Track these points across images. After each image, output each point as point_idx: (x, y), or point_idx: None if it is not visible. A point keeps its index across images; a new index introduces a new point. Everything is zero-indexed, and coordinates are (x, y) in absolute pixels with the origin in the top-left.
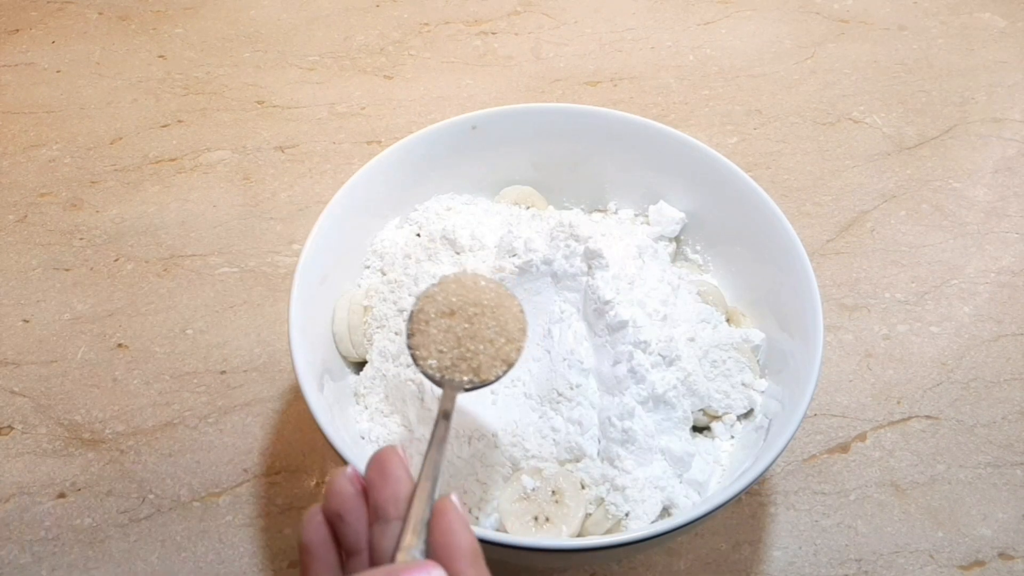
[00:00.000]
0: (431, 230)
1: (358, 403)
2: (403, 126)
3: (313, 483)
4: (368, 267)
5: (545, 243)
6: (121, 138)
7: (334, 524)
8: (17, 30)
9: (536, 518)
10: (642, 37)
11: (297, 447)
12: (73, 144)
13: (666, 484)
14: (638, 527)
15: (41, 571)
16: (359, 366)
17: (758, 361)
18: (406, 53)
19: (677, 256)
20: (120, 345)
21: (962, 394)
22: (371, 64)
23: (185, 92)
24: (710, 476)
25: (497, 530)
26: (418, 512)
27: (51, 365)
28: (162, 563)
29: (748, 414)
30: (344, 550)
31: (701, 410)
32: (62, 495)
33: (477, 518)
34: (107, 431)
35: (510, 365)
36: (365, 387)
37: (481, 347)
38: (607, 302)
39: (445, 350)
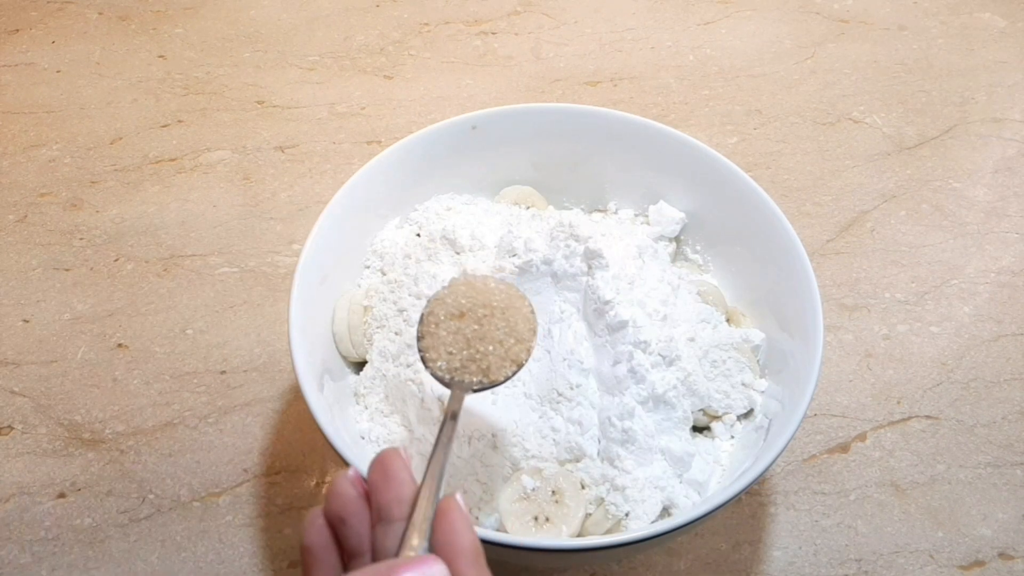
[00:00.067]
0: (431, 230)
1: (358, 403)
2: (403, 126)
3: (313, 483)
4: (368, 267)
5: (545, 243)
6: (121, 138)
7: (336, 527)
8: (17, 30)
9: (536, 518)
10: (642, 37)
11: (297, 447)
12: (73, 144)
13: (666, 484)
14: (638, 527)
15: (41, 571)
16: (359, 366)
17: (758, 361)
18: (406, 53)
19: (677, 256)
20: (120, 345)
21: (962, 394)
22: (371, 64)
23: (185, 92)
24: (710, 476)
25: (497, 530)
26: (422, 511)
27: (51, 365)
28: (162, 563)
29: (748, 414)
30: (346, 552)
31: (701, 410)
32: (62, 495)
33: (477, 518)
34: (107, 431)
35: (520, 365)
36: (365, 387)
37: (491, 348)
38: (607, 302)
39: (455, 351)
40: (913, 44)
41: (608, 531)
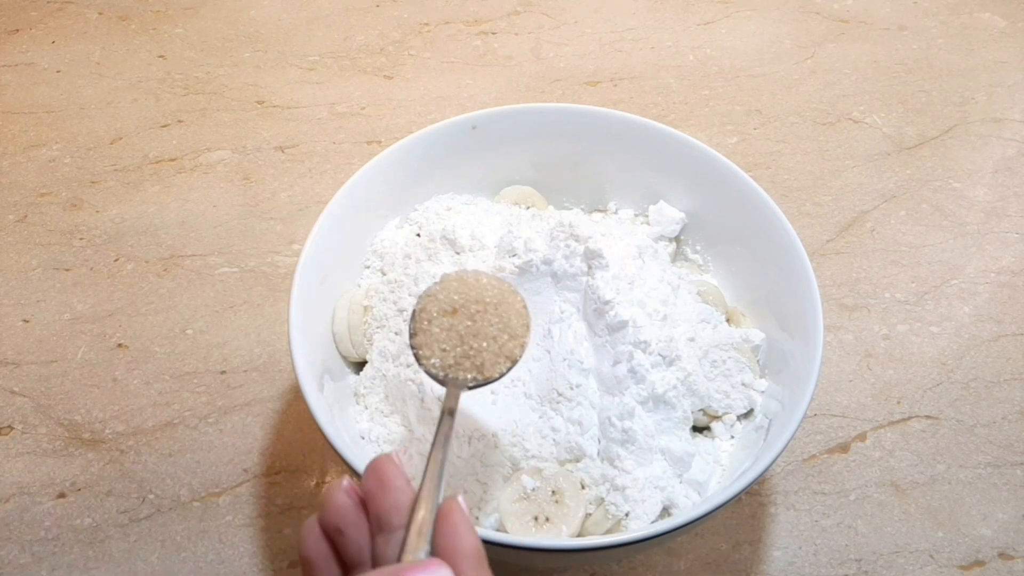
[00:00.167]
0: (431, 230)
1: (358, 403)
2: (403, 126)
3: (313, 483)
4: (368, 267)
5: (545, 243)
6: (121, 138)
7: (334, 538)
8: (17, 30)
9: (536, 518)
10: (642, 37)
11: (297, 447)
12: (73, 144)
13: (666, 484)
14: (638, 527)
15: (41, 571)
16: (359, 366)
17: (758, 361)
18: (406, 53)
19: (677, 256)
20: (120, 345)
21: (962, 394)
22: (371, 64)
23: (185, 92)
24: (710, 476)
25: (497, 530)
26: (423, 513)
27: (51, 365)
28: (162, 563)
29: (748, 414)
30: (346, 563)
31: (701, 410)
32: (62, 495)
33: (477, 518)
34: (107, 431)
35: (514, 361)
36: (365, 387)
37: (484, 344)
38: (607, 302)
39: (448, 348)
40: (913, 44)
41: (608, 531)
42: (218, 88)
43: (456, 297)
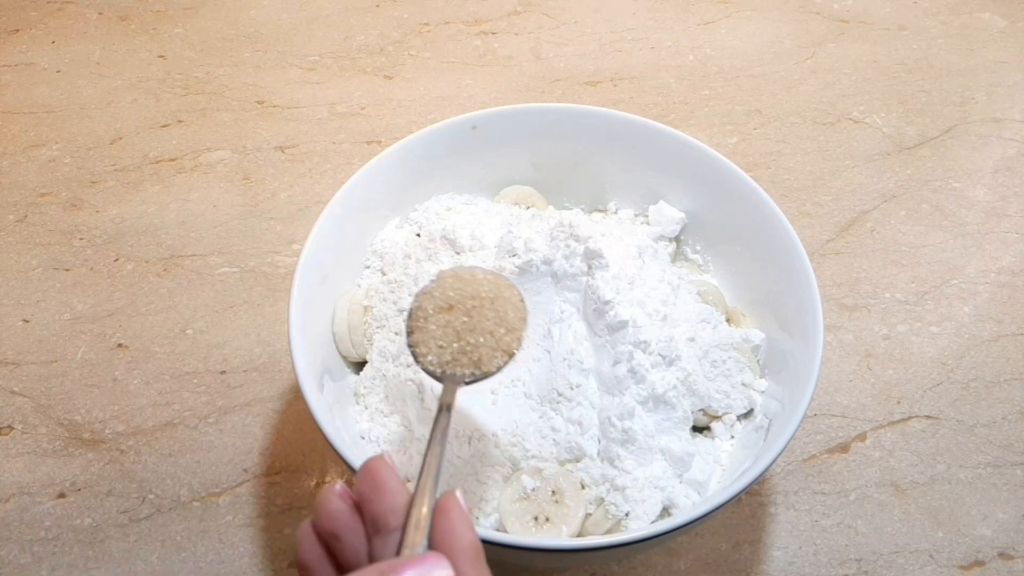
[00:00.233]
0: (431, 230)
1: (358, 403)
2: (403, 126)
3: (313, 483)
4: (368, 267)
5: (545, 243)
6: (121, 138)
7: (329, 543)
8: (17, 30)
9: (536, 518)
10: (642, 37)
11: (297, 447)
12: (73, 144)
13: (666, 484)
14: (638, 527)
15: (41, 571)
16: (359, 366)
17: (758, 361)
18: (406, 53)
19: (677, 256)
20: (120, 345)
21: (962, 394)
22: (371, 64)
23: (185, 92)
24: (710, 476)
25: (497, 530)
26: (421, 508)
27: (51, 365)
28: (162, 563)
29: (748, 414)
30: (344, 566)
31: (701, 410)
32: (62, 495)
33: (477, 518)
34: (107, 431)
35: (511, 355)
36: (365, 387)
37: (481, 339)
38: (607, 302)
39: (445, 345)
40: (913, 44)
41: (608, 531)
42: (218, 88)
43: (452, 293)
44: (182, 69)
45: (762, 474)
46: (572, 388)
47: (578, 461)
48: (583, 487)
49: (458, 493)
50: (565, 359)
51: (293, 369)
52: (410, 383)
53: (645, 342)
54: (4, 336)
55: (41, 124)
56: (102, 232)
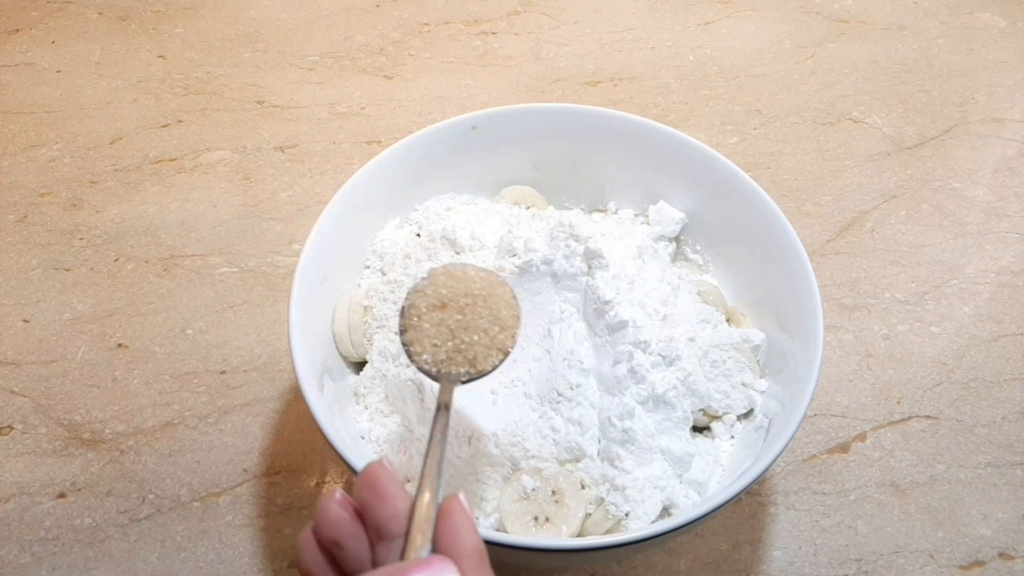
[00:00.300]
0: (431, 230)
1: (358, 403)
2: (403, 126)
3: (313, 483)
4: (368, 267)
5: (545, 243)
6: (121, 138)
7: (331, 551)
8: (17, 30)
9: (536, 518)
10: (642, 37)
11: (297, 447)
12: (73, 144)
13: (666, 484)
14: (638, 527)
15: (41, 571)
16: (359, 366)
17: (758, 361)
18: (406, 53)
19: (677, 256)
20: (120, 345)
21: (962, 394)
22: (371, 64)
23: (185, 92)
24: (710, 476)
25: (497, 530)
26: (423, 511)
27: (51, 365)
28: (162, 563)
29: (748, 414)
30: (347, 574)
31: (701, 410)
32: (62, 495)
33: (477, 518)
34: (107, 431)
35: (506, 353)
36: (365, 387)
37: (476, 337)
38: (607, 302)
39: (439, 343)
40: (913, 44)
41: (608, 531)
42: (218, 88)
43: (444, 291)
44: (182, 69)
45: (762, 474)
46: (572, 388)
47: (578, 461)
48: (583, 487)
49: (461, 496)
50: (565, 359)
51: (293, 369)
52: (410, 383)
53: (645, 342)
54: (4, 336)
55: (41, 124)
56: (102, 232)
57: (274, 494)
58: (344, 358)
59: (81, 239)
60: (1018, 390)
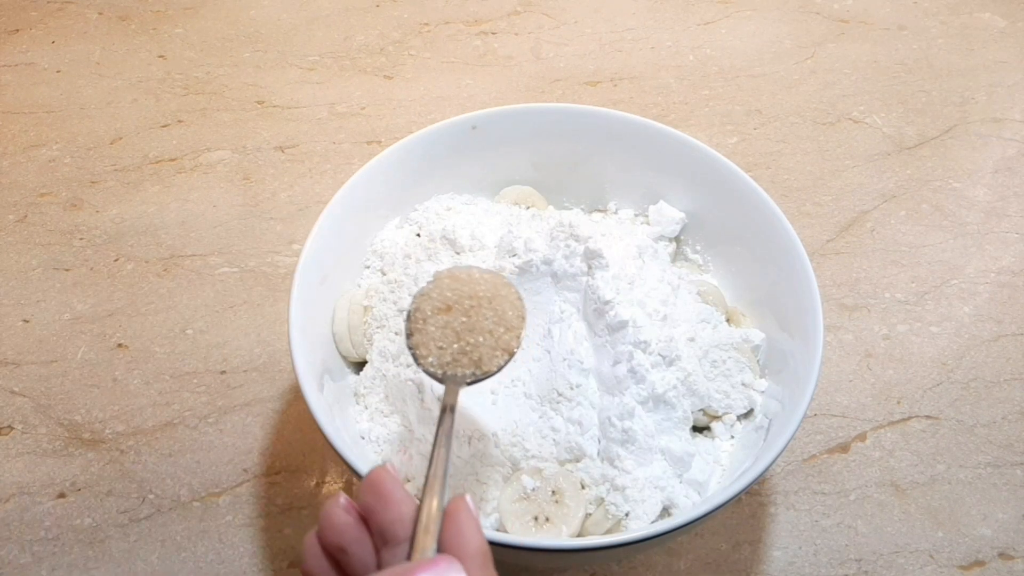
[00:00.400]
0: (431, 230)
1: (358, 403)
2: (403, 126)
3: (313, 483)
4: (368, 267)
5: (545, 243)
6: (121, 138)
7: (336, 556)
8: (17, 30)
9: (536, 518)
10: (642, 37)
11: (297, 447)
12: (73, 144)
13: (666, 484)
14: (638, 527)
15: (41, 571)
16: (359, 366)
17: (758, 361)
18: (406, 53)
19: (677, 256)
20: (120, 345)
21: (962, 394)
22: (371, 64)
23: (185, 92)
24: (710, 476)
25: (497, 530)
26: (429, 511)
27: (51, 365)
28: (162, 563)
29: (748, 414)
30: None
31: (701, 410)
32: (62, 495)
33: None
34: (107, 431)
35: (511, 354)
36: (365, 387)
37: (481, 339)
38: (607, 302)
39: (444, 346)
40: (913, 44)
41: (608, 531)
42: (218, 88)
43: (449, 294)
44: (182, 69)
45: (762, 474)
46: (572, 388)
47: (578, 461)
48: (583, 487)
49: (467, 497)
50: (565, 359)
51: (293, 369)
52: (410, 383)
53: (645, 342)
54: (4, 336)
55: (41, 124)
56: (102, 232)
57: (274, 494)
58: (344, 358)
59: (81, 239)
60: (1018, 390)
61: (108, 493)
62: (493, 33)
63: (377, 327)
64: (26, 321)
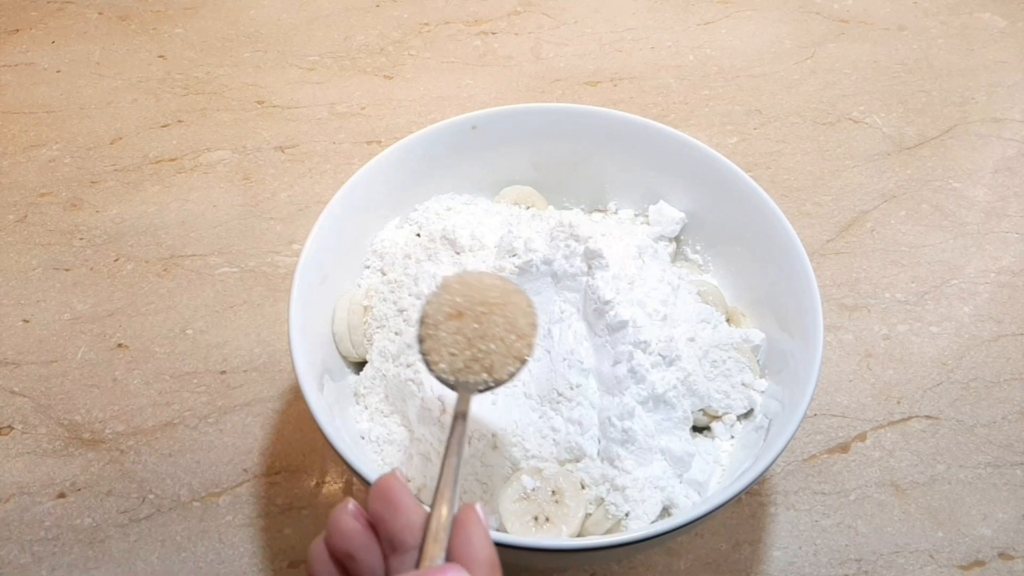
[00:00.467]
0: (431, 230)
1: (358, 403)
2: (403, 126)
3: (313, 483)
4: (368, 267)
5: (545, 243)
6: (121, 138)
7: (344, 563)
8: (17, 30)
9: (536, 518)
10: (642, 37)
11: (297, 447)
12: (73, 144)
13: (666, 484)
14: (638, 527)
15: (41, 571)
16: (359, 366)
17: (758, 361)
18: (406, 53)
19: (677, 256)
20: (120, 345)
21: (962, 394)
22: (371, 64)
23: (185, 92)
24: (710, 476)
25: (497, 530)
26: (439, 519)
27: (51, 365)
28: (162, 563)
29: (748, 414)
30: None
31: (701, 410)
32: (62, 495)
33: None
34: (107, 431)
35: (523, 361)
36: (365, 387)
37: (493, 346)
38: (607, 302)
39: (457, 352)
40: (913, 44)
41: (608, 531)
42: (218, 88)
43: (460, 300)
44: (182, 69)
45: (762, 474)
46: (572, 388)
47: (578, 461)
48: (583, 487)
49: (478, 506)
50: (565, 359)
51: (293, 369)
52: (410, 383)
53: (645, 342)
54: (4, 336)
55: (41, 124)
56: (102, 232)
57: (274, 494)
58: (344, 358)
59: (81, 239)
60: (1018, 390)
61: (108, 493)
62: (493, 33)
63: (377, 327)
64: (26, 321)
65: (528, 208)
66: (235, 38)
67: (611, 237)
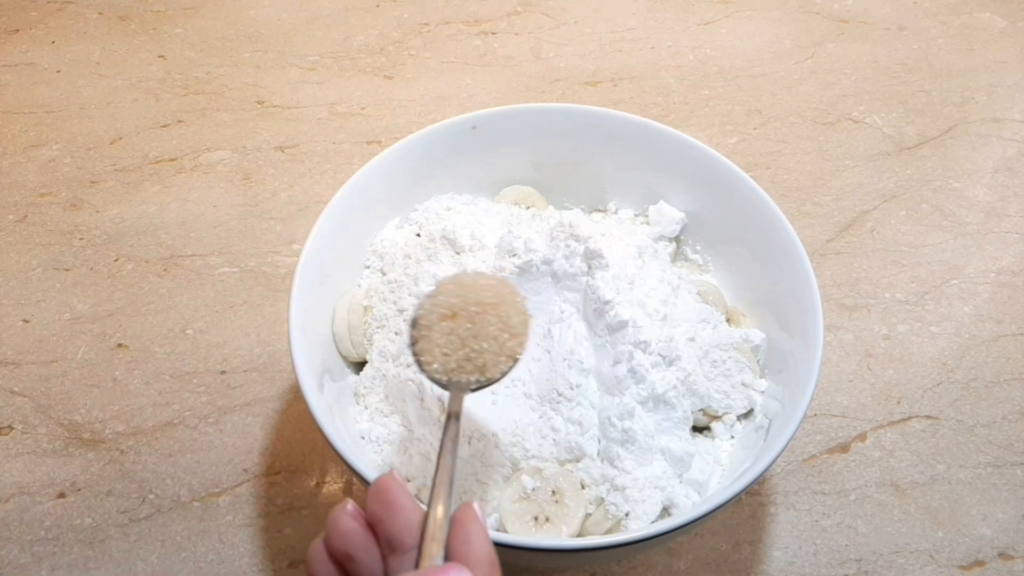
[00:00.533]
0: (431, 230)
1: (358, 403)
2: (403, 126)
3: (313, 483)
4: (368, 267)
5: (545, 243)
6: (121, 138)
7: (343, 563)
8: (17, 30)
9: (536, 518)
10: (642, 37)
11: (297, 447)
12: (73, 144)
13: (666, 484)
14: (638, 527)
15: (41, 571)
16: (359, 366)
17: (758, 361)
18: (406, 53)
19: (677, 256)
20: (120, 345)
21: (962, 394)
22: (371, 64)
23: (185, 92)
24: (710, 476)
25: (497, 530)
26: (436, 519)
27: (51, 365)
28: (162, 563)
29: (748, 414)
30: None
31: (701, 410)
32: (62, 495)
33: None
34: (107, 431)
35: (515, 360)
36: (365, 387)
37: (485, 345)
38: (607, 302)
39: (449, 352)
40: (913, 44)
41: (608, 531)
42: (218, 88)
43: (454, 300)
44: (182, 69)
45: (762, 474)
46: (572, 388)
47: (578, 461)
48: (583, 487)
49: (476, 505)
50: (565, 359)
51: (293, 369)
52: (410, 383)
53: (645, 342)
54: (4, 336)
55: (41, 124)
56: (102, 232)
57: (274, 494)
58: (344, 358)
59: (81, 239)
60: (1018, 390)
61: (108, 493)
62: (493, 33)
63: (377, 327)
64: (26, 321)
65: (528, 208)
66: (235, 38)
67: (611, 237)
